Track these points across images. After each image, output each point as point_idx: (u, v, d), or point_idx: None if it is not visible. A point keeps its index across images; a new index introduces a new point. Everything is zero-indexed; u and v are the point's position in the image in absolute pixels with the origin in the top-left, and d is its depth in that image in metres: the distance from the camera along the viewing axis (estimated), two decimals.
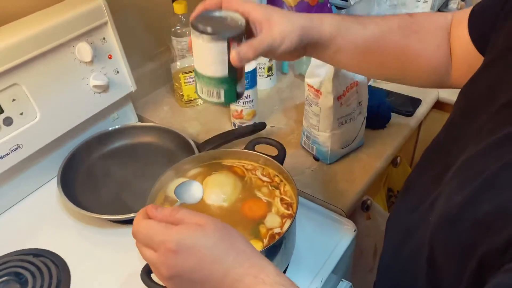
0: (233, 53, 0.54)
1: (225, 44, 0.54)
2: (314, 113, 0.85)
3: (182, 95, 1.07)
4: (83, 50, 0.85)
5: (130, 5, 1.01)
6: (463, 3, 1.39)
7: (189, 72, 1.03)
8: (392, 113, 1.00)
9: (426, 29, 0.64)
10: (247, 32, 0.56)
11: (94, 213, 0.78)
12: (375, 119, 0.97)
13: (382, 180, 1.06)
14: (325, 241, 0.77)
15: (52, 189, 0.88)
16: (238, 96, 0.60)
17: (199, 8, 0.59)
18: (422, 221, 0.48)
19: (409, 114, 1.02)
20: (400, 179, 1.12)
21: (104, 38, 0.89)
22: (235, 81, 0.58)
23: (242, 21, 0.56)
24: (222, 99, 0.59)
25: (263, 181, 0.74)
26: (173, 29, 1.00)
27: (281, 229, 0.66)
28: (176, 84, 1.07)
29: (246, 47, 0.56)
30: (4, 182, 0.83)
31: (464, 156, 0.46)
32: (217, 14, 0.57)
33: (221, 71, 0.56)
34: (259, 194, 0.71)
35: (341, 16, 0.63)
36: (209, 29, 0.54)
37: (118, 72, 0.93)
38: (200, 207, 0.68)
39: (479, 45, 0.58)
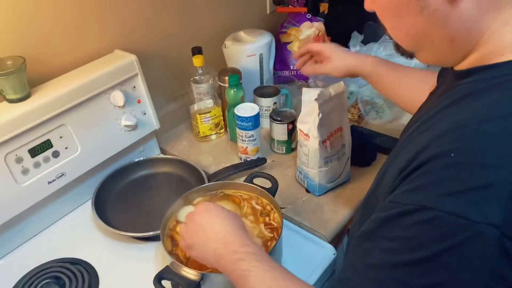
0: (301, 67, 1.11)
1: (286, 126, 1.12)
2: (304, 153, 1.01)
3: (198, 132, 1.25)
4: (117, 97, 1.04)
5: (157, 58, 1.21)
6: None
7: (204, 113, 1.22)
8: (378, 153, 1.15)
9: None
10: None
11: (120, 230, 0.96)
12: (361, 157, 1.12)
13: None
14: (308, 261, 0.92)
15: (87, 210, 1.06)
16: (292, 149, 1.15)
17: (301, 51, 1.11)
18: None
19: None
20: None
21: (134, 87, 1.09)
22: (290, 142, 1.11)
23: (295, 113, 1.12)
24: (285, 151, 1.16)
25: (256, 209, 0.90)
26: (192, 78, 1.19)
27: (266, 250, 0.82)
28: (194, 122, 1.25)
29: (309, 67, 1.10)
30: (49, 202, 1.02)
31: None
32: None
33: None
34: (244, 220, 0.87)
35: (381, 61, 1.02)
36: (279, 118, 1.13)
37: (145, 113, 1.13)
38: None
39: None
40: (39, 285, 0.90)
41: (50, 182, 0.98)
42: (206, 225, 0.72)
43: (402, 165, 0.53)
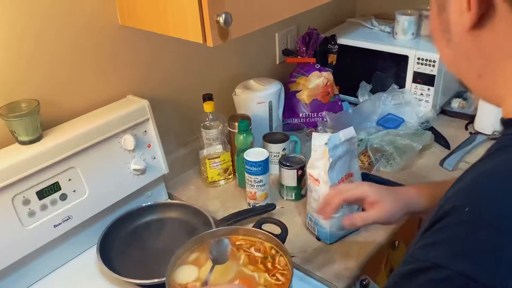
0: (346, 219, 0.83)
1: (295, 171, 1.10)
2: (314, 198, 1.00)
3: (207, 177, 1.24)
4: (128, 141, 1.05)
5: (169, 104, 1.23)
6: (464, 102, 1.54)
7: (213, 158, 1.21)
8: None
9: None
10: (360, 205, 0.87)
11: (125, 277, 0.93)
12: None
13: (383, 261, 1.16)
14: None
15: (92, 255, 1.03)
16: (302, 196, 1.14)
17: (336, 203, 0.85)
18: None
19: None
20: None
21: (145, 131, 1.10)
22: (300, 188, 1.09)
23: (304, 159, 1.10)
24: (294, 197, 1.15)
25: (256, 257, 0.87)
26: (202, 124, 1.20)
27: None
28: (202, 167, 1.25)
29: (358, 218, 0.83)
30: (54, 246, 1.00)
31: None
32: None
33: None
34: (243, 269, 0.84)
35: (439, 187, 0.79)
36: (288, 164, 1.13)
37: (154, 158, 1.13)
38: None
39: None
40: None
41: (56, 226, 0.96)
42: None
43: (431, 216, 0.51)
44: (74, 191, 0.99)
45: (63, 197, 0.97)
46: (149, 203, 1.15)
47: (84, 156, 0.99)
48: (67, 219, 0.98)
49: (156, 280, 0.91)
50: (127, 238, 1.08)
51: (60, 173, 0.96)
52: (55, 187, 0.96)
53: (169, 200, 1.22)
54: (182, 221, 1.13)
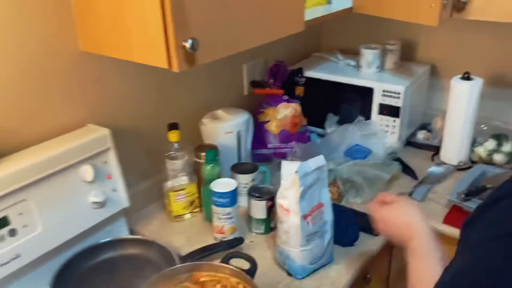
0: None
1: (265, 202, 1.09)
2: (285, 230, 0.96)
3: (171, 210, 1.18)
4: (86, 171, 0.99)
5: (131, 132, 1.18)
6: (429, 133, 1.56)
7: (178, 191, 1.16)
8: (360, 232, 1.10)
9: None
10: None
11: None
12: (343, 237, 1.06)
13: None
14: None
15: None
16: (271, 229, 1.12)
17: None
18: None
19: (377, 234, 1.12)
20: None
21: (105, 161, 1.04)
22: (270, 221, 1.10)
23: (274, 189, 1.04)
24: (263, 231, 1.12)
25: None
26: (166, 154, 1.15)
27: None
28: (167, 200, 1.19)
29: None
30: (3, 286, 0.90)
31: None
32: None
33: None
34: None
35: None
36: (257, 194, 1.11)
37: (115, 190, 1.06)
38: None
39: None
40: None
41: (3, 265, 0.88)
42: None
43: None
44: (25, 226, 0.91)
45: (12, 232, 0.89)
46: (108, 239, 1.07)
47: (38, 188, 0.92)
48: (16, 258, 0.89)
49: None
50: (83, 278, 0.99)
51: (9, 206, 0.88)
52: (3, 222, 0.87)
53: (129, 236, 1.14)
54: (143, 258, 1.05)
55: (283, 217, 0.95)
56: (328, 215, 0.98)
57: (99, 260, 1.04)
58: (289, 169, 0.91)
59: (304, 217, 0.93)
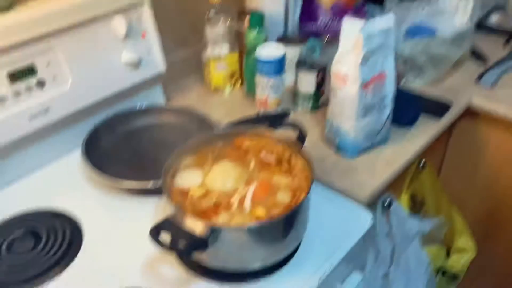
0: None
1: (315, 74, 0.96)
2: (338, 102, 0.84)
3: (211, 81, 1.08)
4: (119, 24, 0.88)
5: None
6: (503, 17, 1.36)
7: (218, 60, 1.05)
8: (421, 113, 0.98)
9: None
10: None
11: (118, 179, 0.79)
12: (403, 115, 0.95)
13: (406, 182, 1.03)
14: (339, 228, 0.75)
15: (76, 158, 0.89)
16: (319, 107, 1.02)
17: None
18: None
19: (438, 116, 1.00)
20: (425, 186, 1.08)
21: (139, 18, 0.92)
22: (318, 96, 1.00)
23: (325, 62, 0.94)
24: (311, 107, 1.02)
25: (269, 163, 0.73)
26: (206, 17, 1.02)
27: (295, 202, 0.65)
28: (206, 71, 1.08)
29: None
30: (30, 144, 0.85)
31: None
32: None
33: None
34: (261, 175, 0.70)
35: None
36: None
37: (150, 51, 0.96)
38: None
39: None
40: (11, 237, 0.73)
41: (32, 118, 0.81)
42: None
43: None
44: (54, 78, 0.83)
45: (41, 84, 0.81)
46: (143, 106, 0.99)
47: (65, 37, 0.82)
48: (45, 112, 0.83)
49: (151, 183, 0.78)
50: (117, 142, 0.93)
51: (35, 53, 0.79)
52: (30, 71, 0.79)
53: (167, 105, 1.06)
54: (180, 127, 0.98)
55: (338, 88, 0.83)
56: (389, 88, 0.86)
57: (134, 126, 0.97)
58: (351, 28, 0.78)
59: (364, 86, 0.80)
